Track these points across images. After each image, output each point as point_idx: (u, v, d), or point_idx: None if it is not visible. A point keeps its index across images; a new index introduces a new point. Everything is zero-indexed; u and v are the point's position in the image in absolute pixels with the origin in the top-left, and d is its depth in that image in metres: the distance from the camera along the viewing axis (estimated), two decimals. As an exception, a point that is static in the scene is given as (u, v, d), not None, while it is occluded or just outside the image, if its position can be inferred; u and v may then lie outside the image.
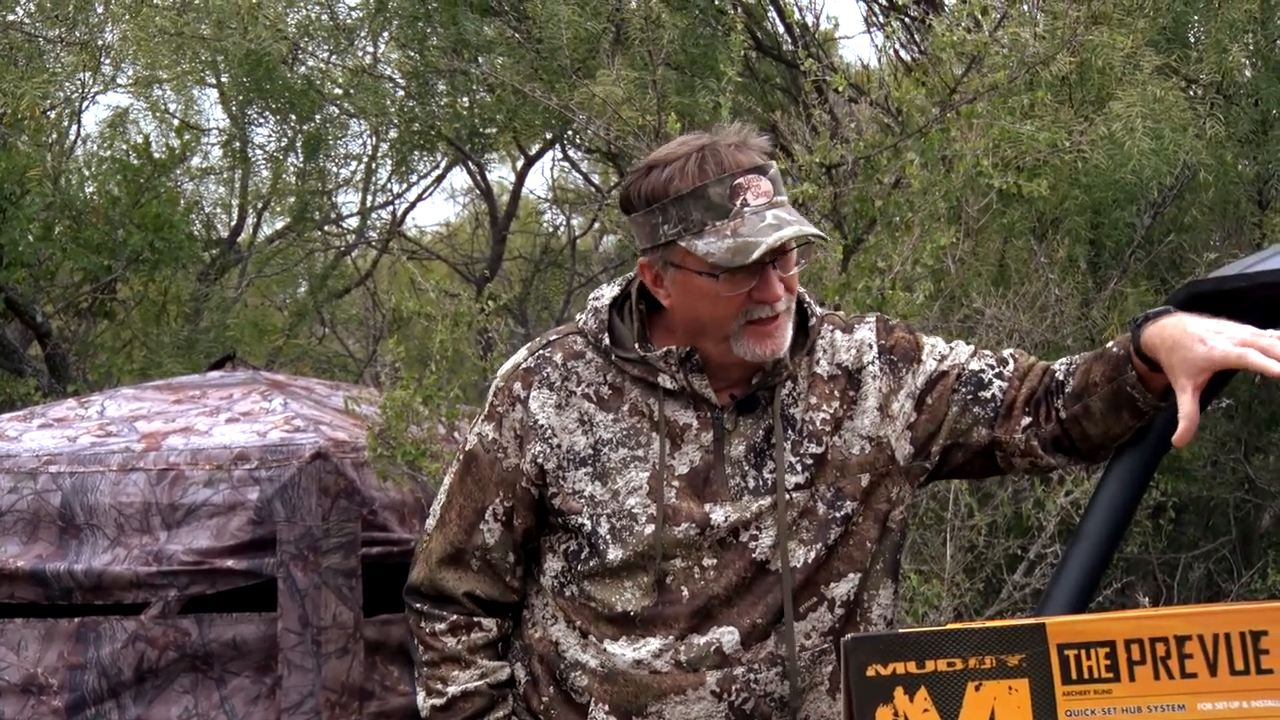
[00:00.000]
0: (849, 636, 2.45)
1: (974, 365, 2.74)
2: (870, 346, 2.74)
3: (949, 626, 2.38)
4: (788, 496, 2.71)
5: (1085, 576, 2.72)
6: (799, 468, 2.72)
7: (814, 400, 2.72)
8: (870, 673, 2.41)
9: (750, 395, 2.72)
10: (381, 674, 5.69)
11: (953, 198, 5.47)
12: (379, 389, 6.06)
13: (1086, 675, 2.31)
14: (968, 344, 2.82)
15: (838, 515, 2.71)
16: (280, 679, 5.53)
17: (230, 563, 5.59)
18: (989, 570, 5.57)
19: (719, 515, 2.70)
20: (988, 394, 2.71)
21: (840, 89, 5.72)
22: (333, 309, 11.30)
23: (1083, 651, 2.32)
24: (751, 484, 2.71)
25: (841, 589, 2.72)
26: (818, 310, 2.80)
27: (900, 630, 2.43)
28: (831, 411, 2.73)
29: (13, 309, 8.71)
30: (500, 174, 11.96)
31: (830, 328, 2.78)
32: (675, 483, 2.71)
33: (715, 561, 2.71)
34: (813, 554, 2.71)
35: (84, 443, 5.92)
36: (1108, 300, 6.24)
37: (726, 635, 2.71)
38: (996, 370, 2.73)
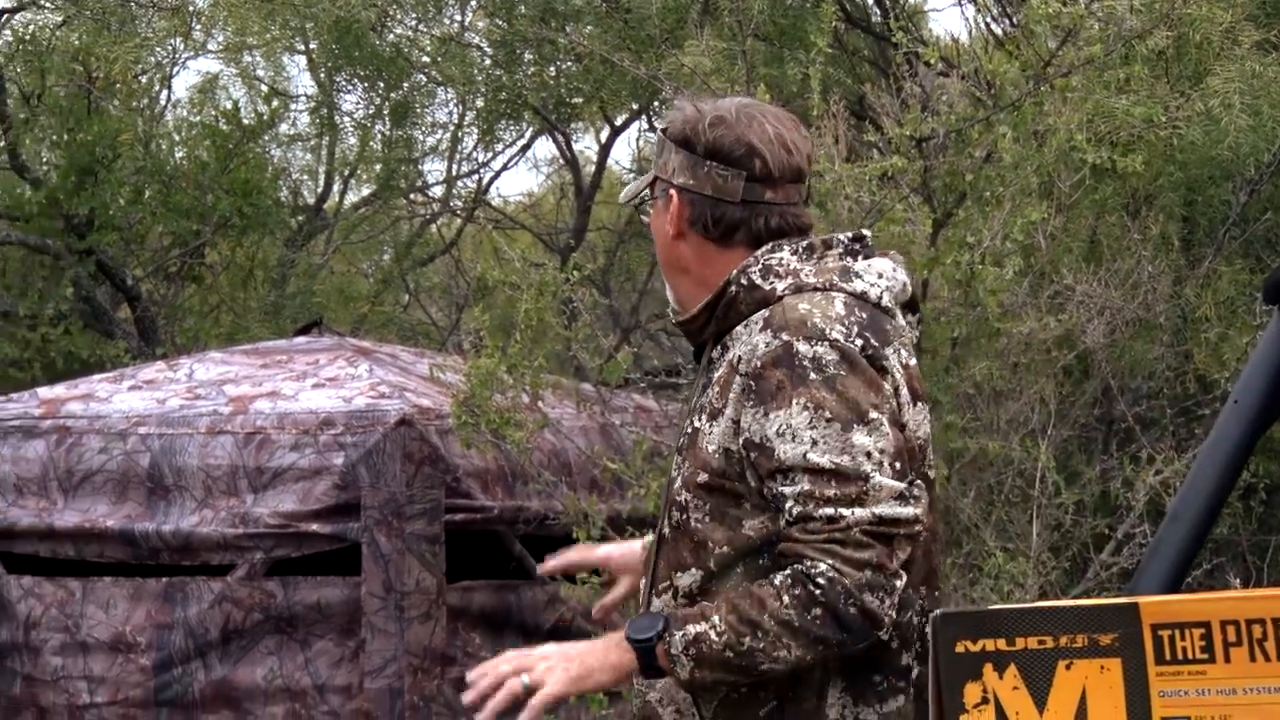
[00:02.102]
0: (938, 611, 2.43)
1: (776, 484, 2.56)
2: (750, 360, 2.60)
3: (1040, 604, 2.36)
4: (677, 457, 2.70)
5: (1179, 557, 2.68)
6: (683, 434, 2.72)
7: (717, 375, 2.67)
8: (959, 648, 2.39)
9: (698, 349, 2.77)
10: (464, 640, 5.71)
11: (1045, 172, 5.42)
12: (463, 357, 6.07)
13: (1180, 656, 2.29)
14: (810, 453, 2.55)
15: (677, 499, 2.67)
16: (364, 643, 5.56)
17: (315, 526, 5.62)
18: (1075, 549, 5.53)
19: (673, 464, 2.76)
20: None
21: (931, 62, 5.67)
22: (417, 277, 11.33)
23: (1177, 632, 2.29)
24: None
25: (684, 580, 2.66)
26: (759, 283, 2.67)
27: (991, 606, 2.40)
28: (711, 397, 2.66)
29: (104, 272, 8.80)
30: (585, 144, 11.96)
31: (760, 317, 2.64)
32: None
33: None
34: (666, 529, 2.69)
35: (173, 405, 5.97)
36: (1201, 278, 6.16)
37: (644, 589, 2.76)
38: (785, 511, 2.56)
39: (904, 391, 2.64)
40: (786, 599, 2.51)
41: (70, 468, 5.88)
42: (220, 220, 8.80)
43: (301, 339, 6.79)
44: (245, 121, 9.17)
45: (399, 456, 5.60)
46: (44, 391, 6.36)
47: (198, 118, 9.91)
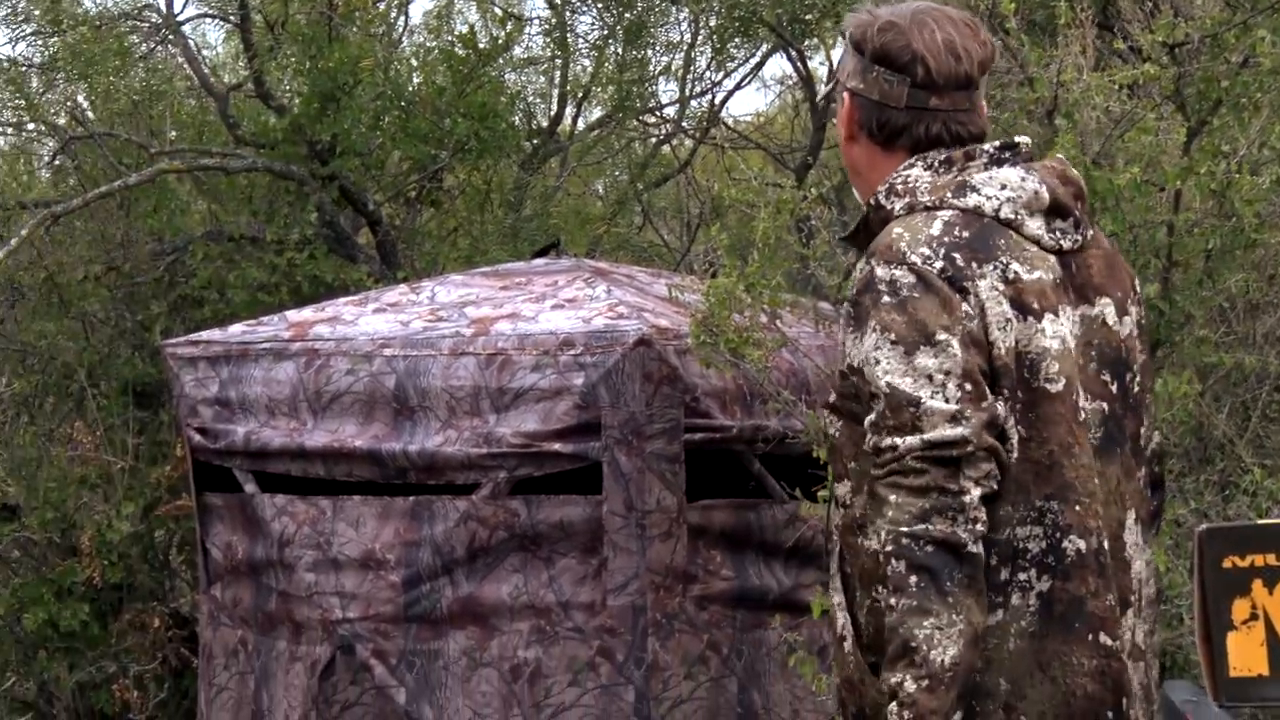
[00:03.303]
0: (1204, 527, 2.37)
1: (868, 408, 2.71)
2: (851, 286, 2.71)
3: (1313, 520, 2.28)
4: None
5: None
6: None
7: None
8: (1226, 564, 2.33)
9: None
10: (704, 559, 5.72)
11: (1306, 76, 5.21)
12: (698, 277, 6.06)
13: None
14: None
15: (828, 416, 2.82)
16: (606, 560, 5.60)
17: (557, 446, 5.66)
18: (1337, 465, 5.35)
19: None
20: None
21: (1183, -35, 5.47)
22: (649, 198, 11.34)
23: None
24: None
25: (840, 490, 2.79)
26: (883, 203, 2.78)
27: (1260, 521, 2.32)
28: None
29: (346, 197, 8.94)
30: (819, 61, 11.83)
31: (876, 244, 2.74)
32: None
33: None
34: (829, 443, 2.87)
35: (416, 327, 6.05)
36: None
37: None
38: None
39: (998, 309, 2.65)
40: (891, 597, 2.59)
41: (319, 389, 6.00)
42: (457, 145, 8.88)
43: (540, 261, 6.83)
44: (481, 45, 9.22)
45: (638, 376, 5.61)
46: (292, 315, 6.49)
47: (434, 43, 10.00)
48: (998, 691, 2.63)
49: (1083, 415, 2.69)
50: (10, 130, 10.54)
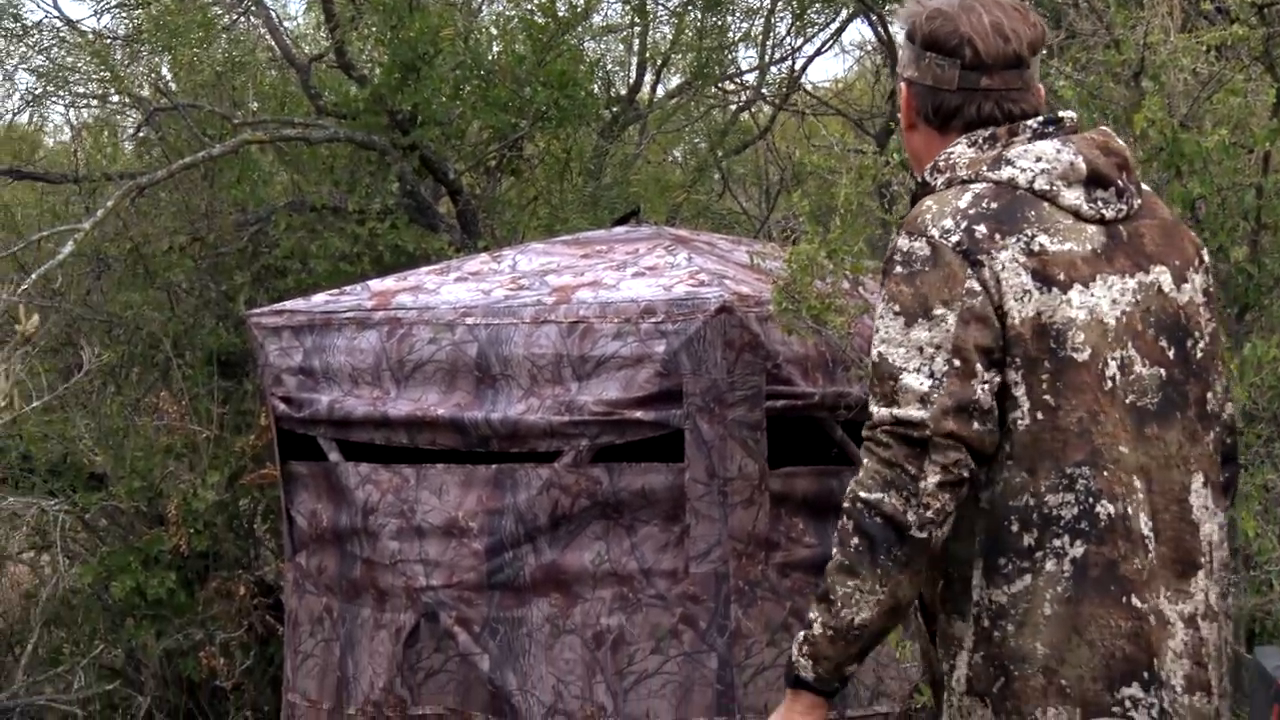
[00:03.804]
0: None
1: None
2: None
3: None
4: None
5: None
6: None
7: None
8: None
9: None
10: (787, 526, 5.71)
11: (1398, 35, 5.12)
12: (780, 245, 6.03)
13: None
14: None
15: None
16: (688, 528, 5.60)
17: (639, 414, 5.66)
18: None
19: None
20: None
21: (1271, -77, 5.38)
22: (729, 165, 11.31)
23: None
24: None
25: None
26: (927, 180, 2.86)
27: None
28: None
29: (427, 166, 8.96)
30: (899, 25, 11.76)
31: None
32: None
33: None
34: None
35: (498, 296, 6.06)
36: None
37: None
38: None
39: (1016, 280, 2.71)
40: (835, 549, 2.76)
41: (402, 358, 6.03)
42: (537, 113, 8.87)
43: (620, 228, 6.82)
44: (560, 13, 9.20)
45: (720, 343, 5.60)
46: (375, 284, 6.52)
47: (513, 11, 9.99)
48: (1035, 656, 2.70)
49: (1109, 385, 2.73)
50: (95, 102, 10.64)
